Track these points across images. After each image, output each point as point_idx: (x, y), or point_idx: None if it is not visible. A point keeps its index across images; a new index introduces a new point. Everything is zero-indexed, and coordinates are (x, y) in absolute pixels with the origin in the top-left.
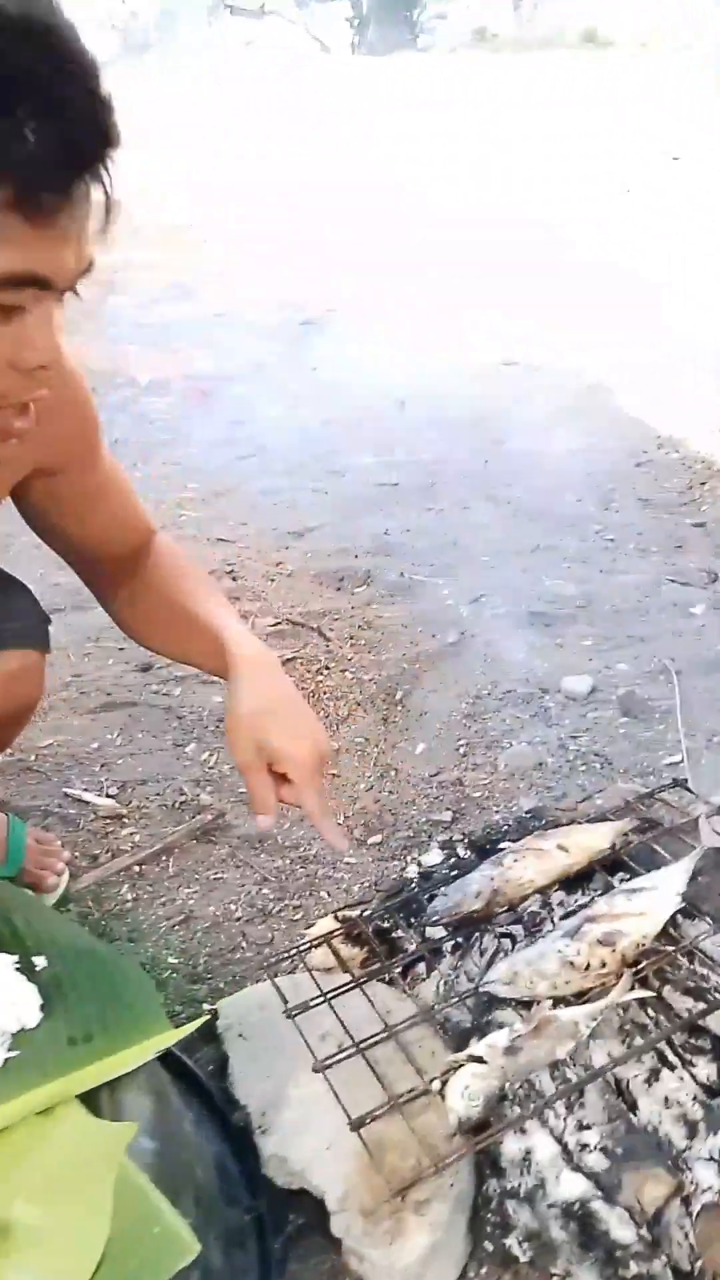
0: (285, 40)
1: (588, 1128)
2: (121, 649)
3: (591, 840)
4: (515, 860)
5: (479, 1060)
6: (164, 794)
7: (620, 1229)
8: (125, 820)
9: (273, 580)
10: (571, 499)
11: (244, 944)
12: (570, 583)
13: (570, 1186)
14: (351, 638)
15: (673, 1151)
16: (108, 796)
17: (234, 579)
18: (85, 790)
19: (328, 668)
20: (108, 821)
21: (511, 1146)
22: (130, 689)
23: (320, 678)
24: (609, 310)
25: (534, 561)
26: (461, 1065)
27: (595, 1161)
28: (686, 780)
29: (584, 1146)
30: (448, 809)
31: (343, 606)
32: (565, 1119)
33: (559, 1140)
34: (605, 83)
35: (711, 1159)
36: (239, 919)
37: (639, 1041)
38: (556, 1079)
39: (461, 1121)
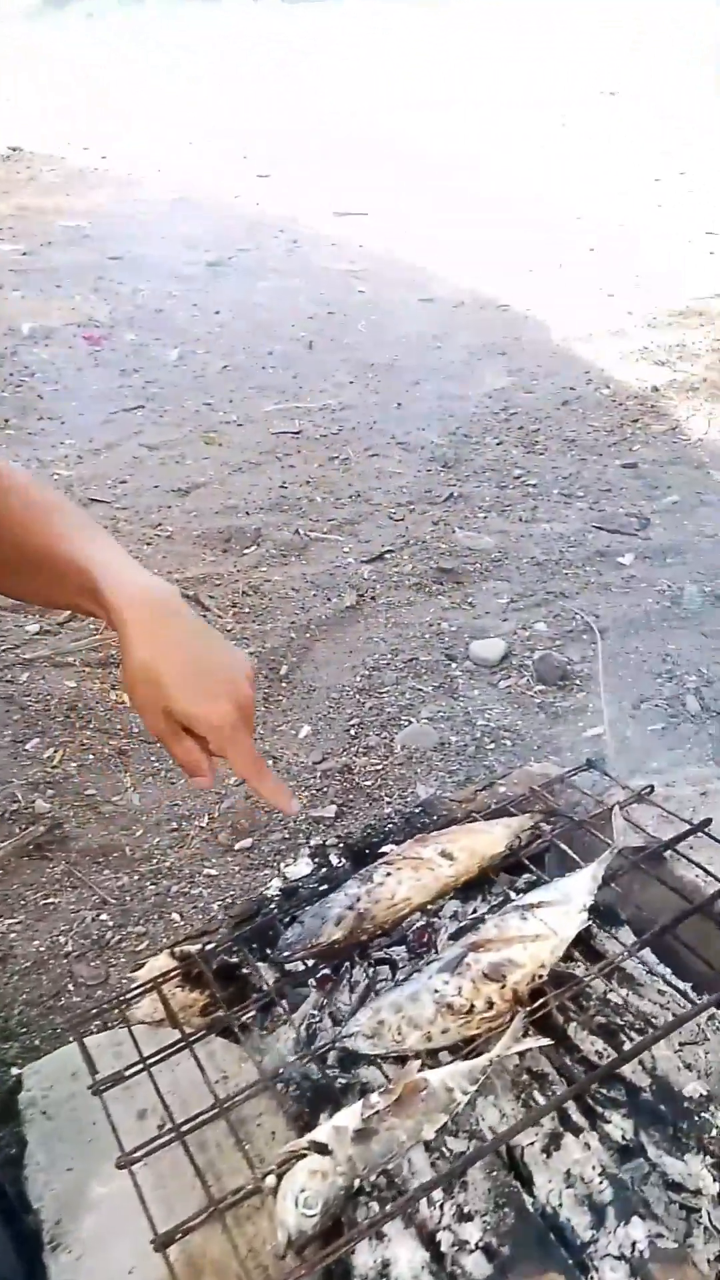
0: None
1: (469, 1217)
2: None
3: (482, 844)
4: (387, 875)
5: (322, 1149)
6: None
7: None
8: None
9: (149, 544)
10: (492, 442)
11: (71, 987)
12: (485, 534)
13: None
14: (234, 605)
15: (576, 1243)
16: None
17: None
18: None
19: None
20: None
21: (364, 1259)
22: None
23: None
24: (541, 242)
25: (446, 512)
26: (299, 1157)
27: (475, 1267)
28: (603, 760)
29: (462, 1245)
30: (332, 803)
31: (226, 570)
32: (442, 1206)
33: (430, 1241)
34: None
35: (622, 1257)
36: (68, 954)
37: (538, 1099)
38: (432, 1153)
39: (293, 1239)
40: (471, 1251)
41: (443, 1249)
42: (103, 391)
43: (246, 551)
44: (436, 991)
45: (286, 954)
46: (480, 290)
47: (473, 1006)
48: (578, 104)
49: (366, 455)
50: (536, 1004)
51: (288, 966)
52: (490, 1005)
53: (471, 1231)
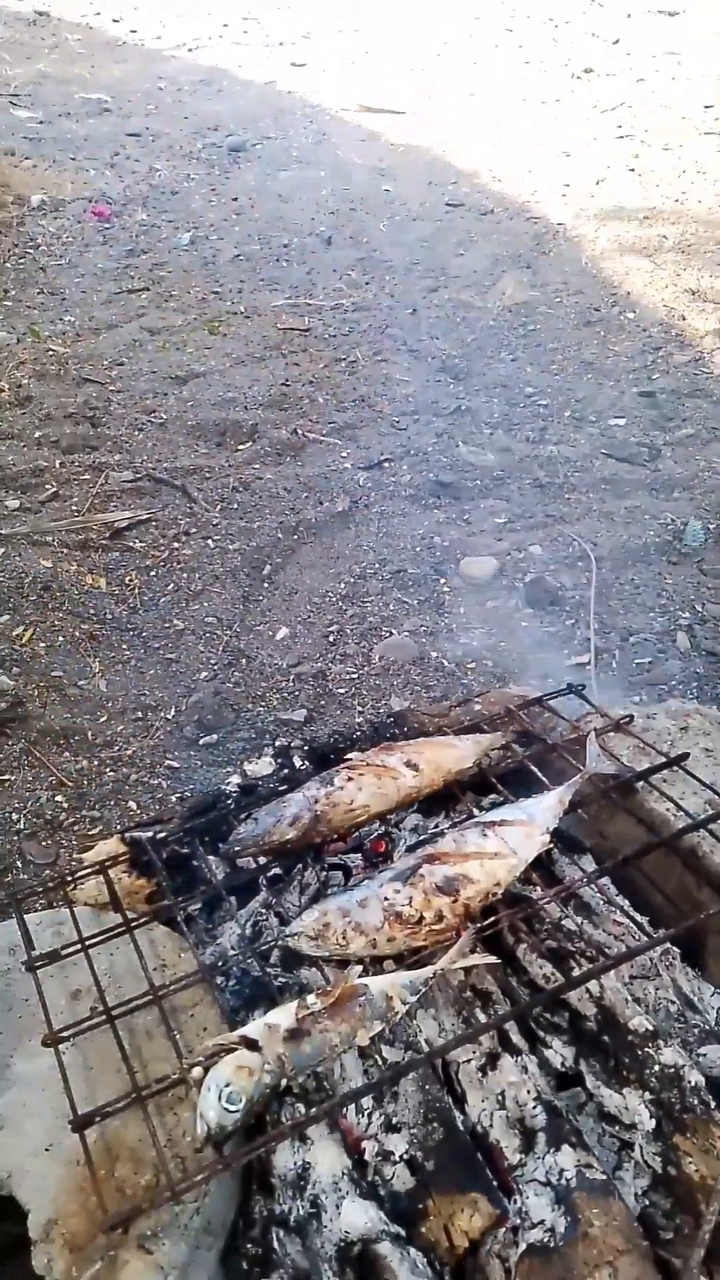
0: None
1: (397, 1129)
2: None
3: (449, 757)
4: (348, 780)
5: (252, 1045)
6: None
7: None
8: None
9: (140, 430)
10: (506, 358)
11: (19, 864)
12: (489, 451)
13: (353, 1217)
14: (223, 500)
15: (502, 1167)
16: None
17: (94, 425)
18: None
19: (188, 533)
20: None
21: (285, 1159)
22: None
23: (176, 545)
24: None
25: (450, 425)
26: (228, 1051)
27: (398, 1178)
28: (584, 687)
29: (386, 1156)
30: (303, 707)
31: (218, 464)
32: (370, 1115)
33: (354, 1148)
34: None
35: (548, 1183)
36: (19, 831)
37: (480, 1018)
38: (366, 1061)
39: (213, 1133)
40: (395, 1163)
41: (366, 1157)
42: (108, 270)
43: (241, 447)
44: (387, 899)
45: (237, 849)
46: (511, 199)
47: (422, 918)
48: (635, 21)
49: (375, 360)
50: (488, 922)
51: (238, 862)
52: (440, 918)
53: (397, 1143)
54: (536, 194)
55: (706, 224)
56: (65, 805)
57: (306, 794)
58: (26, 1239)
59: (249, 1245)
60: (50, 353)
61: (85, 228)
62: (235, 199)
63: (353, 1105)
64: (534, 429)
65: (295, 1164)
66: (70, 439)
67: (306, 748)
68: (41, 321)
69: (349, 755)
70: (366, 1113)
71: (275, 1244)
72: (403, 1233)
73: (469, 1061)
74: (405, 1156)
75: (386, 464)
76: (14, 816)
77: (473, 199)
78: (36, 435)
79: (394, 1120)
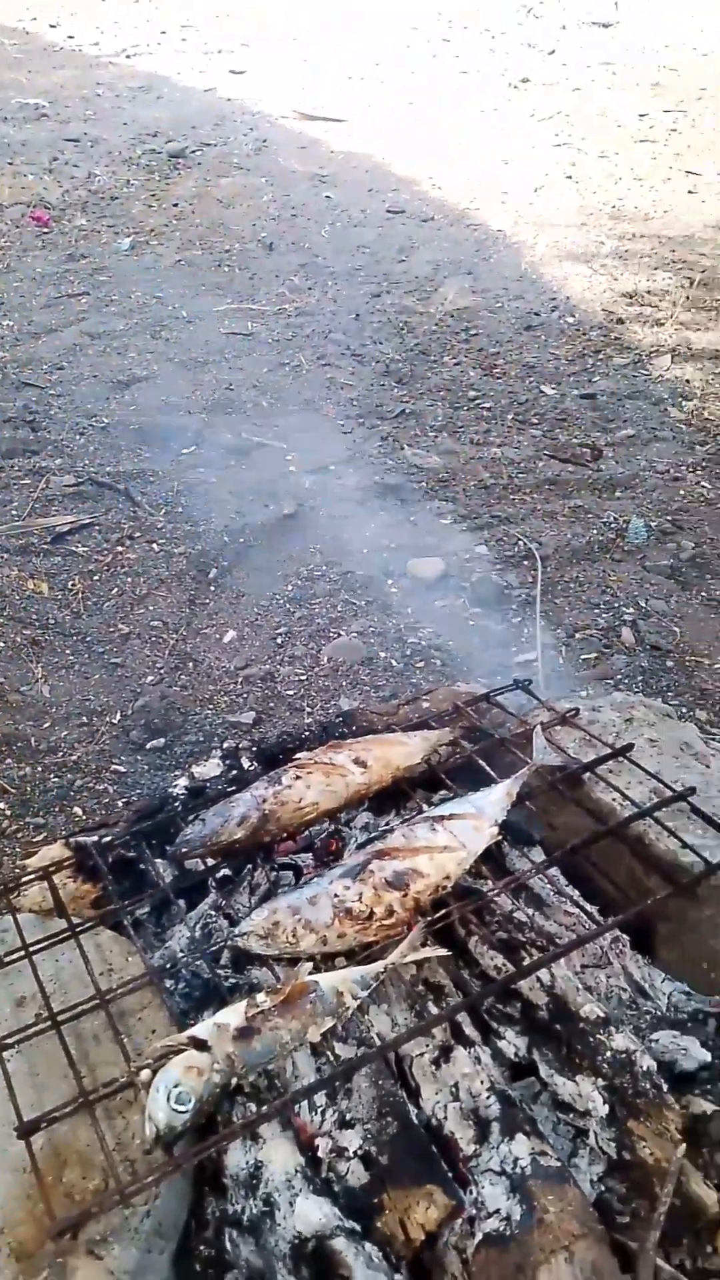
0: None
1: (350, 1125)
2: None
3: (397, 754)
4: (296, 779)
5: (200, 1045)
6: None
7: (366, 1274)
8: None
9: (82, 434)
10: (449, 362)
11: None
12: (434, 454)
13: (307, 1214)
14: (167, 504)
15: (458, 1158)
16: None
17: (34, 429)
18: None
19: (131, 537)
20: None
21: (237, 1159)
22: None
23: (120, 549)
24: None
25: (395, 429)
26: (177, 1052)
27: (352, 1173)
28: (530, 682)
29: (340, 1152)
30: (252, 709)
31: (162, 468)
32: (323, 1112)
33: (307, 1145)
34: None
35: (503, 1172)
36: None
37: (432, 1010)
38: (319, 1058)
39: (162, 1134)
40: (350, 1158)
41: (320, 1154)
42: (47, 275)
43: (185, 451)
44: (336, 896)
45: (185, 850)
46: (451, 206)
47: (372, 913)
48: (570, 32)
49: (319, 364)
50: (438, 915)
51: (186, 864)
52: (390, 913)
53: (351, 1139)
54: (476, 201)
55: (642, 229)
56: (8, 813)
57: (254, 793)
58: None
59: (202, 1247)
60: None
61: (23, 233)
62: (176, 204)
63: (305, 1102)
64: (478, 431)
65: (247, 1163)
66: (9, 443)
67: (255, 749)
68: None
69: (297, 755)
70: (320, 1109)
71: (229, 1244)
72: (358, 1228)
73: (422, 1055)
74: (360, 1152)
75: (332, 467)
76: None
77: (413, 206)
78: None
79: (348, 1116)
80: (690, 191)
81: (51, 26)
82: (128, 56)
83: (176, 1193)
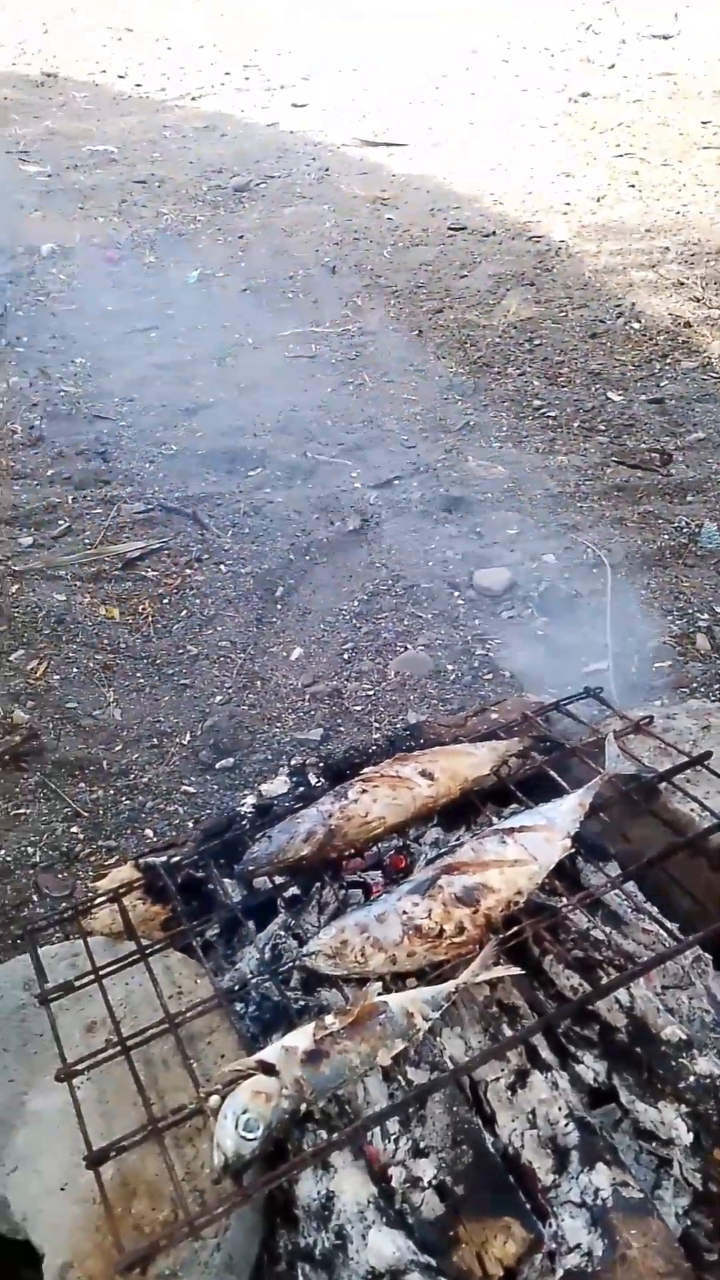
0: None
1: (424, 1153)
2: None
3: (464, 765)
4: (362, 792)
5: (269, 1069)
6: None
7: None
8: None
9: (151, 462)
10: (514, 373)
11: (35, 897)
12: (499, 464)
13: (380, 1248)
14: (234, 525)
15: (536, 1189)
16: None
17: (105, 460)
18: None
19: (199, 560)
20: None
21: (308, 1189)
22: None
23: (188, 571)
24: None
25: (459, 441)
26: (245, 1077)
27: (427, 1204)
28: (602, 690)
29: (414, 1182)
30: (319, 726)
31: (229, 490)
32: (396, 1140)
33: (380, 1175)
34: None
35: (583, 1204)
36: (35, 865)
37: (506, 1033)
38: (390, 1083)
39: (231, 1162)
40: (424, 1189)
41: (393, 1184)
42: (117, 312)
43: (251, 473)
44: (405, 913)
45: (252, 868)
46: (513, 220)
47: (442, 930)
48: (630, 46)
49: (382, 381)
50: (510, 932)
51: (255, 883)
52: (461, 930)
53: (426, 1168)
54: (538, 214)
55: (708, 234)
56: (81, 836)
57: (320, 809)
58: None
59: None
60: (61, 393)
61: (95, 273)
62: (241, 236)
63: (377, 1129)
64: (543, 440)
65: (319, 1193)
66: (82, 475)
67: (322, 765)
68: (53, 364)
69: (363, 769)
70: (392, 1137)
71: (301, 1279)
72: (433, 1262)
73: (497, 1080)
74: (434, 1182)
75: (396, 482)
76: (30, 850)
77: (475, 222)
78: (49, 473)
79: (421, 1144)
80: None
81: (120, 77)
82: (193, 99)
83: (247, 1225)
